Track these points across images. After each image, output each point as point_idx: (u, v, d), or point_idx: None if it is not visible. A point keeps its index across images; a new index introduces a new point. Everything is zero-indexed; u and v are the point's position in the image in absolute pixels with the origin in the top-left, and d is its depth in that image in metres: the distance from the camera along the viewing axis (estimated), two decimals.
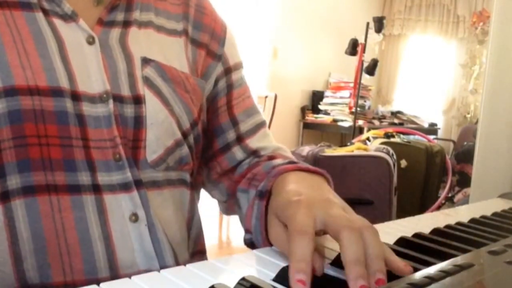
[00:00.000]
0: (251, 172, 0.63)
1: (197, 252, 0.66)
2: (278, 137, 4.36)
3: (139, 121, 0.55)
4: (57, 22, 0.53)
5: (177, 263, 0.58)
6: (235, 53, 0.70)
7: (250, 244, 0.56)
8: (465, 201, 2.70)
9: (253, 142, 0.68)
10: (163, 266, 0.55)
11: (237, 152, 0.67)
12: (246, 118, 0.68)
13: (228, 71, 0.68)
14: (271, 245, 0.49)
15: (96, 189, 0.52)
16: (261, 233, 0.50)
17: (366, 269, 0.37)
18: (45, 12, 0.53)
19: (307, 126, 4.92)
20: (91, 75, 0.53)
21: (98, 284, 0.35)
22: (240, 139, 0.67)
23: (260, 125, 0.69)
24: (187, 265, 0.40)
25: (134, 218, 0.54)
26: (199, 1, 0.67)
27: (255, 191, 0.55)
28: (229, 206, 0.70)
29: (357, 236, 0.38)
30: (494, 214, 0.65)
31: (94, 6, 0.57)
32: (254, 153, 0.67)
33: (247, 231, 0.56)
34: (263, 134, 0.69)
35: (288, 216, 0.43)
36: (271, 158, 0.66)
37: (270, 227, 0.48)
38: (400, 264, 0.39)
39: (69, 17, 0.54)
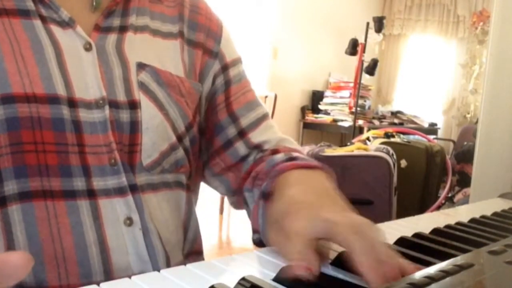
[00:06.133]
0: (255, 170, 0.63)
1: (193, 253, 0.66)
2: None
3: (134, 126, 0.56)
4: (55, 29, 0.54)
5: (169, 266, 0.58)
6: (232, 49, 0.69)
7: (259, 243, 0.57)
8: (465, 201, 2.70)
9: (255, 136, 0.67)
10: (156, 269, 0.55)
11: (240, 148, 0.66)
12: (247, 112, 0.67)
13: (225, 68, 0.67)
14: None
15: (91, 194, 0.53)
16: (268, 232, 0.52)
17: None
18: (43, 19, 0.53)
19: (307, 126, 4.92)
20: (87, 82, 0.54)
21: None
22: (242, 134, 0.66)
23: (262, 118, 0.68)
24: (187, 265, 0.40)
25: (129, 222, 0.54)
26: (193, 1, 0.67)
27: (259, 191, 0.56)
28: (237, 202, 0.70)
29: (369, 245, 0.38)
30: (494, 214, 0.65)
31: (92, 12, 0.57)
32: (257, 147, 0.66)
33: (255, 231, 0.58)
34: (265, 127, 0.68)
35: (287, 223, 0.45)
36: (274, 152, 0.65)
37: (270, 231, 0.50)
38: (409, 267, 0.38)
39: (66, 24, 0.54)
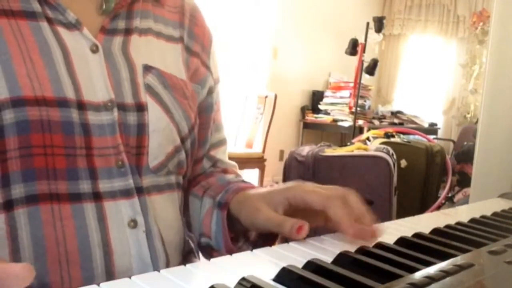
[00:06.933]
0: (206, 181, 0.68)
1: (191, 252, 0.67)
2: (278, 137, 4.35)
3: (141, 129, 0.56)
4: (61, 30, 0.53)
5: (168, 267, 0.59)
6: (216, 67, 0.72)
7: (205, 247, 0.63)
8: (465, 201, 2.70)
9: (217, 154, 0.73)
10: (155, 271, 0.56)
11: (205, 162, 0.71)
12: (214, 133, 0.71)
13: (214, 85, 0.70)
14: (232, 248, 0.57)
15: (97, 196, 0.52)
16: (223, 238, 0.58)
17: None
18: (49, 21, 0.53)
19: (307, 126, 4.92)
20: (95, 84, 0.53)
21: None
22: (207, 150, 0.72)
23: (224, 141, 0.74)
24: (187, 265, 0.40)
25: (133, 224, 0.54)
26: (192, 11, 0.68)
27: (212, 200, 0.62)
28: None
29: (342, 202, 0.50)
30: (494, 214, 0.65)
31: (98, 14, 0.57)
32: (216, 162, 0.72)
33: (203, 235, 0.63)
34: (224, 151, 0.74)
35: (297, 193, 0.53)
36: (224, 171, 0.72)
37: (258, 212, 0.54)
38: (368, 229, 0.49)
39: (73, 26, 0.54)
